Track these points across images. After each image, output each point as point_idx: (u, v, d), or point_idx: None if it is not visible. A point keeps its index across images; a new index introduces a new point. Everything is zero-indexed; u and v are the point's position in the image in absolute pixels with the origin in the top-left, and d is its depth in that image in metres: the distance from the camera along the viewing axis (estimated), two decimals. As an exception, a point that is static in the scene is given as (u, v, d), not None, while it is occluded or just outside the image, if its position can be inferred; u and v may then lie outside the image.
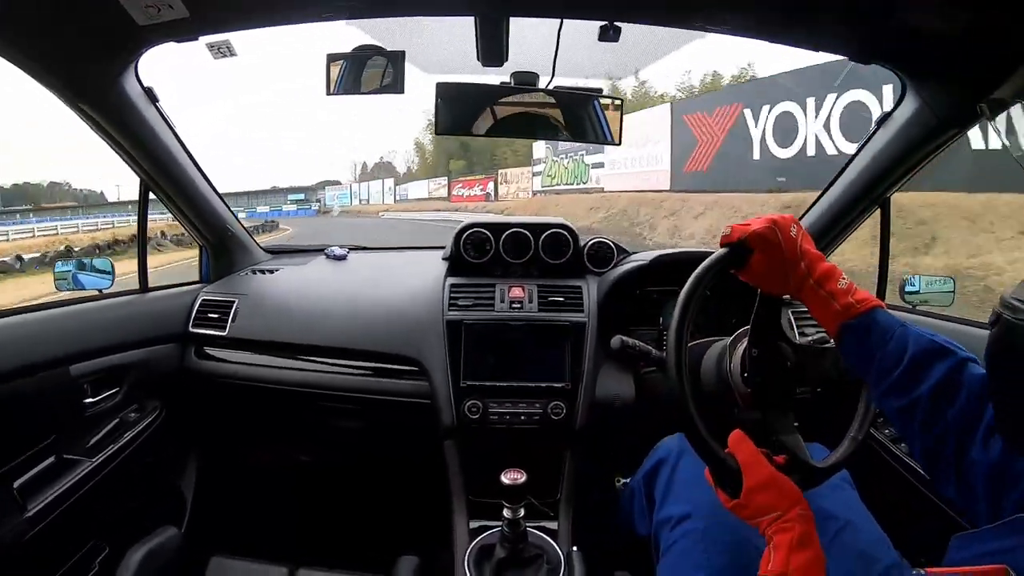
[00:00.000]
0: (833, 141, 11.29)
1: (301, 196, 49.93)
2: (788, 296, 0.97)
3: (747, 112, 13.46)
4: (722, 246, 0.98)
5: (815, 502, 0.93)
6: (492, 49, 1.36)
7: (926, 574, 0.66)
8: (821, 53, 1.31)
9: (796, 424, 1.01)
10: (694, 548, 1.04)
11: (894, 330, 0.88)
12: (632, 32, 1.27)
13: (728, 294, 1.68)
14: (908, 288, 1.66)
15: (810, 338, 1.13)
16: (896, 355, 0.86)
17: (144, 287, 1.79)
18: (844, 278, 0.93)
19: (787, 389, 1.03)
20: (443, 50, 1.42)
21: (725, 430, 0.94)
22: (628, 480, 1.48)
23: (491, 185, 31.13)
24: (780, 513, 0.84)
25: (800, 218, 1.84)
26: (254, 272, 2.00)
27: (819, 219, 1.75)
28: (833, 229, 1.74)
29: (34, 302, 1.51)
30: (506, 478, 1.29)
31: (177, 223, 1.88)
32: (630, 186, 17.61)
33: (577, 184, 21.86)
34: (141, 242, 1.78)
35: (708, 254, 0.99)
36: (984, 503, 0.75)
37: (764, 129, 13.02)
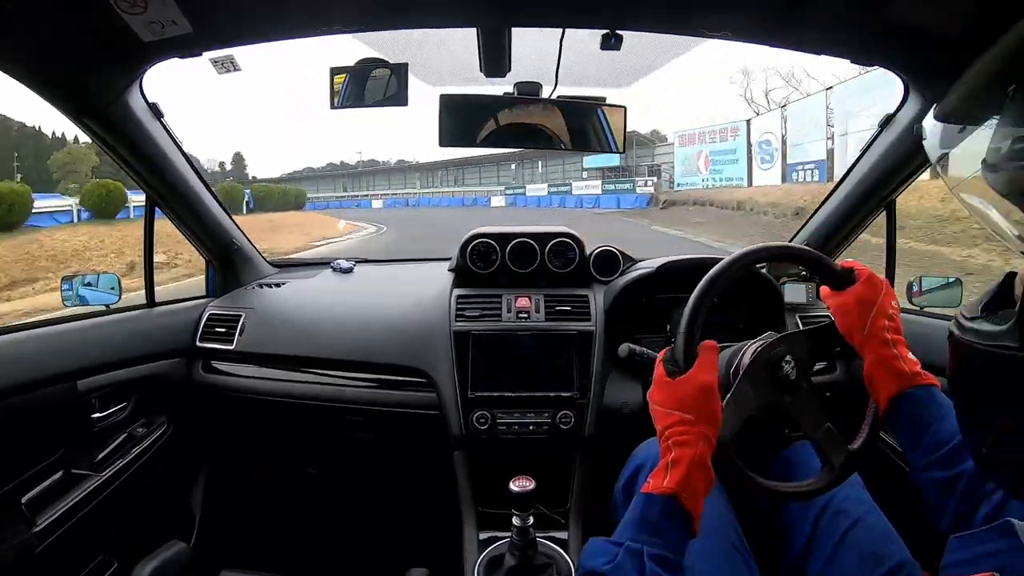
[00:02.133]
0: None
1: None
2: (855, 345, 0.97)
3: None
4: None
5: (825, 499, 0.93)
6: (494, 60, 1.36)
7: None
8: (823, 56, 1.32)
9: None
10: None
11: (950, 408, 0.86)
12: (633, 40, 1.27)
13: (736, 300, 1.68)
14: (915, 290, 1.65)
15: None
16: (951, 431, 0.85)
17: (151, 302, 1.79)
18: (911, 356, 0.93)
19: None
20: (446, 62, 1.42)
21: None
22: None
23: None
24: (690, 422, 0.83)
25: (806, 222, 1.84)
26: (261, 286, 2.01)
27: (825, 222, 1.75)
28: (840, 232, 1.74)
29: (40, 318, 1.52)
30: (515, 486, 1.28)
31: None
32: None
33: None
34: (147, 257, 1.79)
35: (715, 260, 0.98)
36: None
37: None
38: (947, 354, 0.67)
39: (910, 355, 0.92)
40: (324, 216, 28.67)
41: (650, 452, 1.24)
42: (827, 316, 1.70)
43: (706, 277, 0.95)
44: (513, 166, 39.54)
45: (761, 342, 1.00)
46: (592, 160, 29.64)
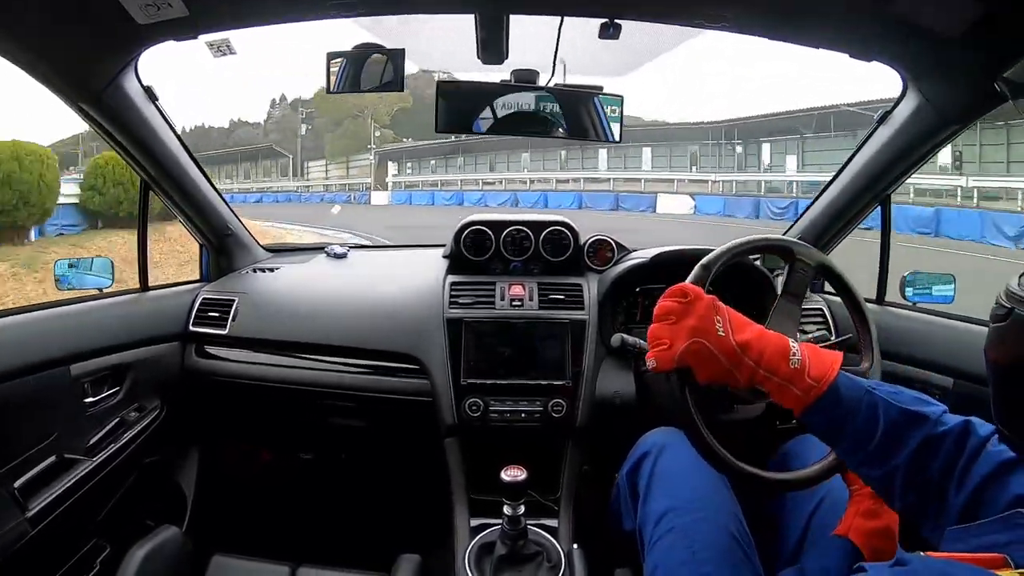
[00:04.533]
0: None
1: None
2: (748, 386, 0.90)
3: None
4: (655, 373, 0.92)
5: (822, 491, 0.93)
6: (492, 47, 1.36)
7: (926, 556, 0.65)
8: (821, 50, 1.31)
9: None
10: (679, 543, 1.04)
11: (861, 401, 0.83)
12: (632, 29, 1.27)
13: (727, 292, 1.68)
14: (908, 286, 1.66)
15: (810, 335, 1.13)
16: (868, 429, 0.82)
17: (144, 286, 1.79)
18: (794, 352, 0.86)
19: None
20: (443, 48, 1.41)
21: (726, 427, 0.94)
22: None
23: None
24: (857, 487, 0.90)
25: (799, 217, 1.84)
26: (254, 271, 2.00)
27: (819, 217, 1.75)
28: (833, 227, 1.74)
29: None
30: (506, 475, 1.29)
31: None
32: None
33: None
34: (142, 241, 1.78)
35: (708, 251, 0.99)
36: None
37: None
38: (990, 339, 0.66)
39: (792, 362, 0.85)
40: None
41: (656, 440, 1.25)
42: (820, 308, 1.73)
43: (698, 264, 0.97)
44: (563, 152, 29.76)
45: None
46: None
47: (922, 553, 0.65)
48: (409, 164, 37.09)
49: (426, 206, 27.96)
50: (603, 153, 28.35)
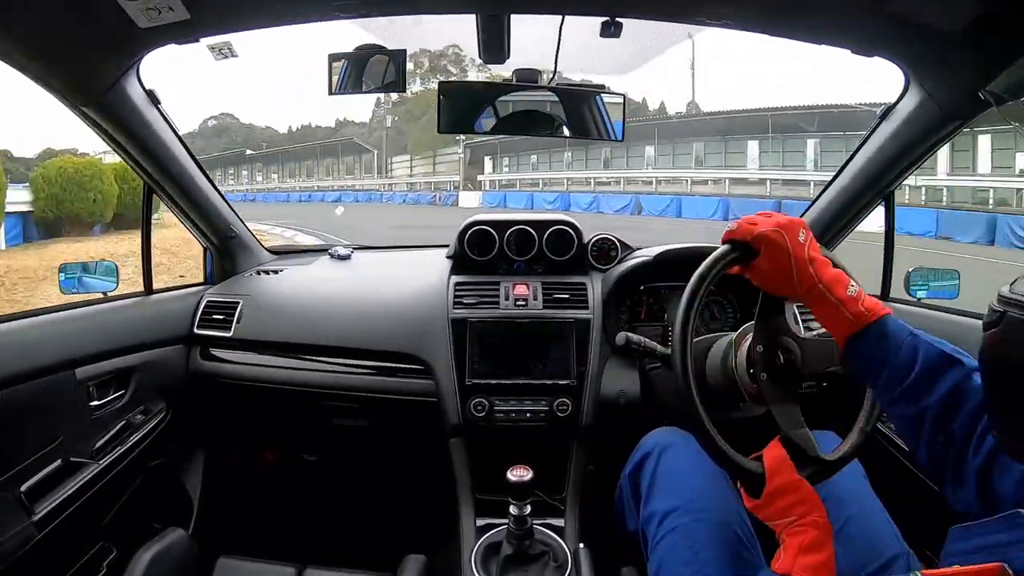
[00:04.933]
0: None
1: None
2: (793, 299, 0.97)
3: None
4: (724, 242, 0.98)
5: (825, 490, 0.94)
6: (494, 47, 1.36)
7: (920, 574, 0.66)
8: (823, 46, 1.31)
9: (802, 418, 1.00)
10: (681, 543, 1.04)
11: (904, 338, 0.88)
12: (633, 28, 1.26)
13: (733, 289, 1.68)
14: (913, 281, 1.66)
15: (815, 332, 1.13)
16: (907, 364, 0.86)
17: (148, 289, 1.79)
18: (853, 284, 0.92)
19: (793, 384, 1.02)
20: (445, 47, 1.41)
21: (731, 425, 0.94)
22: None
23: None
24: (796, 518, 0.87)
25: (804, 212, 1.84)
26: (258, 273, 2.00)
27: (823, 213, 1.75)
28: (837, 223, 1.74)
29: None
30: (512, 475, 1.29)
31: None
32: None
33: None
34: (145, 244, 1.78)
35: (713, 249, 0.99)
36: (975, 495, 0.77)
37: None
38: (984, 345, 0.67)
39: (850, 290, 0.91)
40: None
41: (658, 440, 1.25)
42: None
43: (691, 280, 0.98)
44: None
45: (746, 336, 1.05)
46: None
47: (918, 573, 0.66)
48: (506, 160, 32.09)
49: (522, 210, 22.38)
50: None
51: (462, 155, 31.67)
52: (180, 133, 1.64)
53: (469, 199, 27.16)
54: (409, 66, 1.38)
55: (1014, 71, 1.10)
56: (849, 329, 0.90)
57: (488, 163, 32.06)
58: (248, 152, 44.68)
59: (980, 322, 0.68)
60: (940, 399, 0.83)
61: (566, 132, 1.44)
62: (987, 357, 0.68)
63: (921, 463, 0.87)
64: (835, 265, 1.09)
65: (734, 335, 1.15)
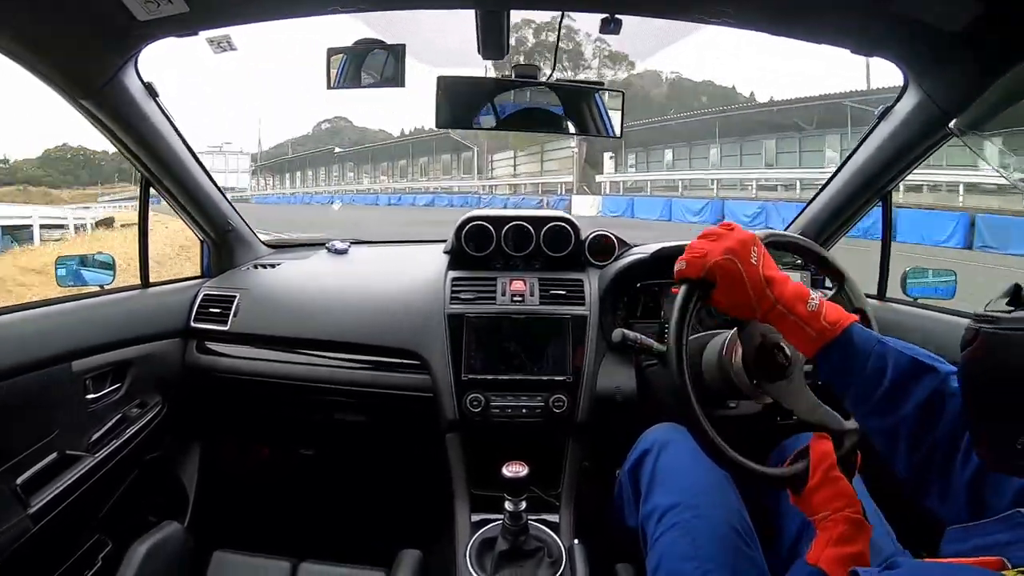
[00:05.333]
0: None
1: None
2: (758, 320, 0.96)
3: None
4: (677, 280, 0.98)
5: None
6: (493, 42, 1.35)
7: (918, 560, 0.66)
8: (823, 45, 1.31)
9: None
10: (682, 539, 1.04)
11: (872, 349, 0.87)
12: (633, 24, 1.26)
13: None
14: (909, 281, 1.66)
15: None
16: (876, 377, 0.86)
17: (145, 282, 1.79)
18: (812, 298, 0.92)
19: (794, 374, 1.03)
20: (444, 43, 1.41)
21: (727, 421, 0.94)
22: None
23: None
24: (830, 512, 0.88)
25: (801, 211, 1.84)
26: (256, 267, 2.00)
27: (820, 213, 1.75)
28: (834, 223, 1.74)
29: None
30: (507, 471, 1.29)
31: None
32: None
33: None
34: (142, 238, 1.78)
35: None
36: (965, 510, 0.76)
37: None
38: (961, 363, 0.67)
39: (810, 305, 0.90)
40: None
41: (657, 437, 1.26)
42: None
43: (671, 327, 0.97)
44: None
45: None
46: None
47: (923, 554, 0.66)
48: (632, 156, 25.67)
49: (660, 221, 17.75)
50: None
51: (576, 150, 25.68)
52: (180, 129, 1.64)
53: (583, 205, 21.42)
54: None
55: (979, 106, 1.12)
56: (814, 345, 0.90)
57: (608, 161, 26.00)
58: (337, 150, 43.29)
59: None
60: (915, 408, 0.82)
61: (564, 128, 1.43)
62: (966, 372, 0.68)
63: (901, 476, 0.86)
64: (829, 264, 1.09)
65: (730, 333, 1.16)
